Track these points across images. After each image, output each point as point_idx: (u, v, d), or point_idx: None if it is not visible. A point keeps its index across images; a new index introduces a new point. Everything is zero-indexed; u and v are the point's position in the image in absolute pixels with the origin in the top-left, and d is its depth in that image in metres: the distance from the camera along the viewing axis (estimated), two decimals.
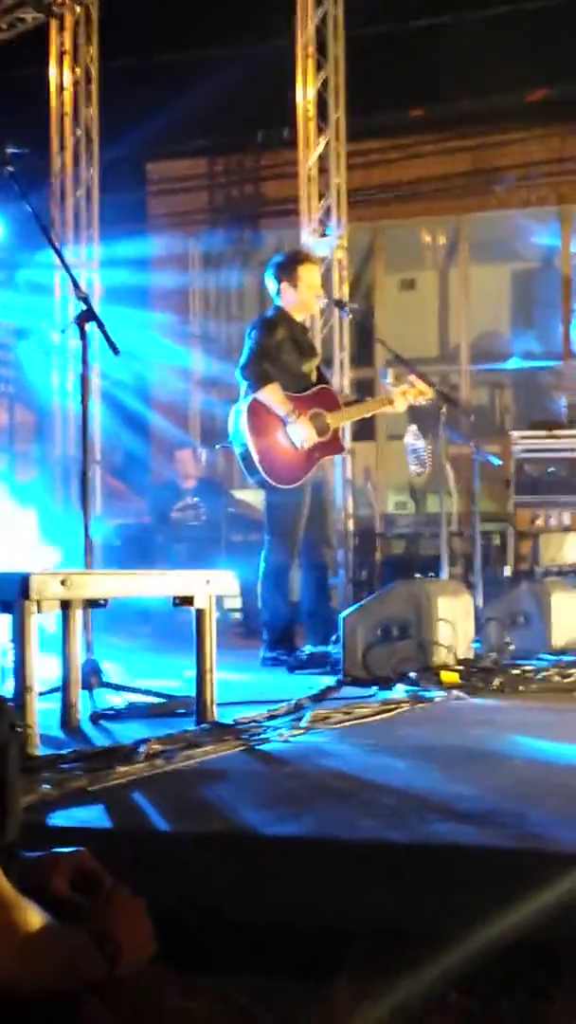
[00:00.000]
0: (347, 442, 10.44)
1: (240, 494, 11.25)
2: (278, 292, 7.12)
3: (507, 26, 12.07)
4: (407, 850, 2.49)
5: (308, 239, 11.25)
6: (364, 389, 12.63)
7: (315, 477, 7.04)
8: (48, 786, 3.05)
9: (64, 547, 6.24)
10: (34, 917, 1.68)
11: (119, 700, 4.74)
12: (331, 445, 7.05)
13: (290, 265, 7.19)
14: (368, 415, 7.33)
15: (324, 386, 7.20)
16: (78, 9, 12.59)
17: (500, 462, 8.32)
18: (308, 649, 6.70)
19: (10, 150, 5.17)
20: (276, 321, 7.06)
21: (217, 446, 10.06)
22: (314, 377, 7.15)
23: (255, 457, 6.77)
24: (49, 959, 1.67)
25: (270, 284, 7.19)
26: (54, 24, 12.62)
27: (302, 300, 7.14)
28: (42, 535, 6.64)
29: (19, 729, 1.72)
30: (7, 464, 12.81)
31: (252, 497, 10.46)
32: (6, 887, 1.66)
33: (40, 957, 1.66)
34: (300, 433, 6.81)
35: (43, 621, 4.08)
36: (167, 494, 11.13)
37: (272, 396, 6.80)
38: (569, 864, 2.26)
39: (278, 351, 6.93)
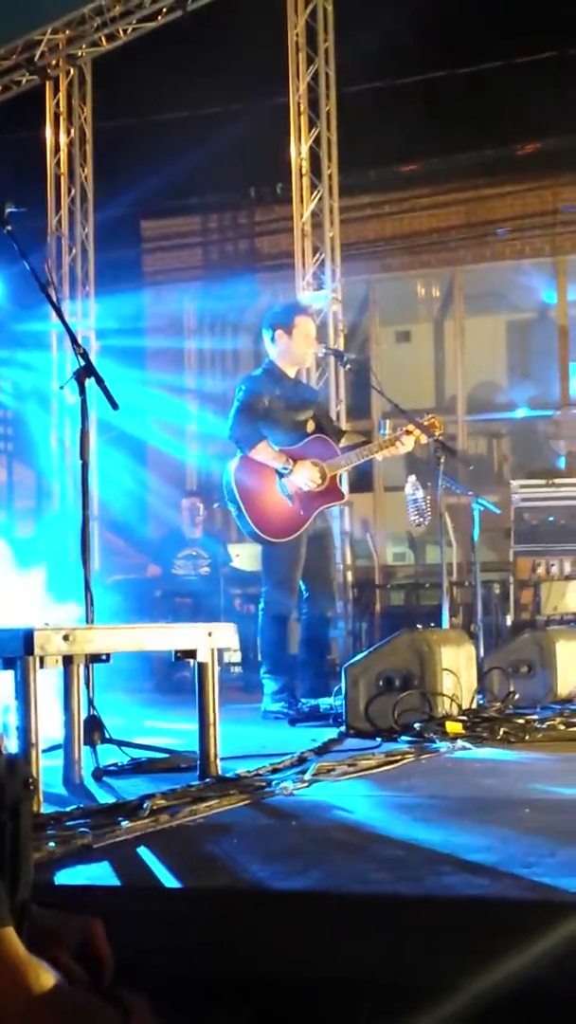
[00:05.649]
0: (344, 493, 10.41)
1: (237, 548, 11.24)
2: (272, 340, 7.12)
3: (497, 80, 12.21)
4: (417, 902, 2.46)
5: (303, 293, 11.32)
6: None
7: (315, 527, 7.01)
8: (53, 844, 3.02)
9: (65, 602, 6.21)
10: (46, 977, 1.64)
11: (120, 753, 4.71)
12: (330, 494, 7.01)
13: (287, 314, 7.19)
14: (367, 458, 7.20)
15: (318, 435, 7.15)
16: (71, 70, 12.75)
17: (499, 511, 8.33)
18: (309, 702, 6.66)
19: (8, 209, 5.18)
20: (264, 378, 7.06)
21: (215, 505, 10.10)
22: (310, 428, 7.12)
23: (247, 515, 6.79)
24: (61, 1020, 1.64)
25: (265, 334, 7.19)
26: (49, 86, 12.78)
27: (296, 351, 7.13)
28: (49, 591, 6.62)
29: (32, 787, 1.70)
30: (7, 520, 12.82)
31: (249, 551, 10.45)
32: (18, 947, 1.63)
33: (53, 1019, 1.63)
34: (303, 478, 6.80)
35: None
36: (172, 542, 11.12)
37: (264, 454, 6.80)
38: None
39: (267, 407, 6.92)
